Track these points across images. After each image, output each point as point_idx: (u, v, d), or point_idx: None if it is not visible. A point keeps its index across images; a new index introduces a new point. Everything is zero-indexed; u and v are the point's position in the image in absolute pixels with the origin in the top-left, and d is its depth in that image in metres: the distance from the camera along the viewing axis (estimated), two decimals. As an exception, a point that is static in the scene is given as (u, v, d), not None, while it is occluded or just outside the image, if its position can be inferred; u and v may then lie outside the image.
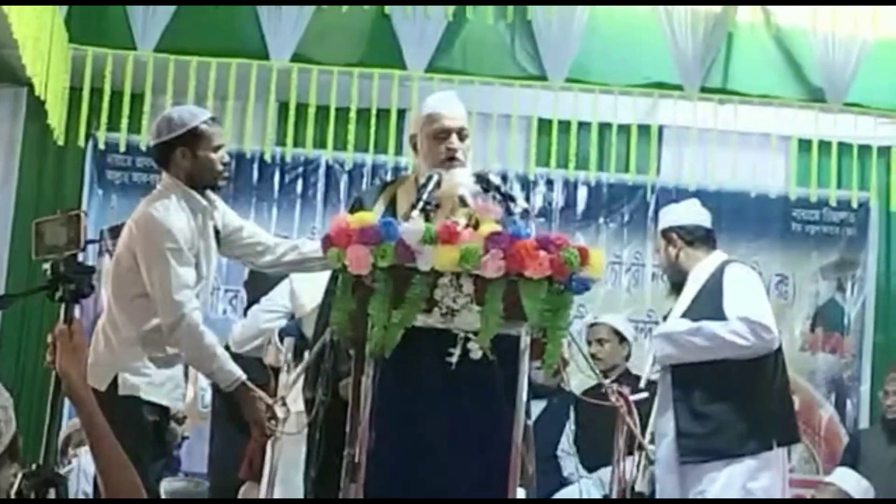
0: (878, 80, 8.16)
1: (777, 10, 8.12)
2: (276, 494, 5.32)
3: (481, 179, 4.59)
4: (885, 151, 8.61)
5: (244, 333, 6.15)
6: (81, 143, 8.21)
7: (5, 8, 6.45)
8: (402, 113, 8.08)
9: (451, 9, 7.93)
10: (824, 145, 8.38)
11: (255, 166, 8.64)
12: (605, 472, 7.08)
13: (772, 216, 8.83)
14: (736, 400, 5.60)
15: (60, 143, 8.12)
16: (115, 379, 4.58)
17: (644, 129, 8.40)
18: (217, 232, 4.84)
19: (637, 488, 5.69)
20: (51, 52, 7.27)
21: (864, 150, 8.55)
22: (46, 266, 3.29)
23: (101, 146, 8.27)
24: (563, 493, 7.25)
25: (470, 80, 7.97)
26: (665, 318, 6.01)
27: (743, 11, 8.12)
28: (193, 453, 7.43)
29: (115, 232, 5.26)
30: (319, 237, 4.33)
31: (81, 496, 5.99)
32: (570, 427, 7.46)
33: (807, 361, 8.71)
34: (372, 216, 4.16)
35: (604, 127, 8.30)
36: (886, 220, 8.89)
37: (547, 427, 7.06)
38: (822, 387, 8.78)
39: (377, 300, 3.96)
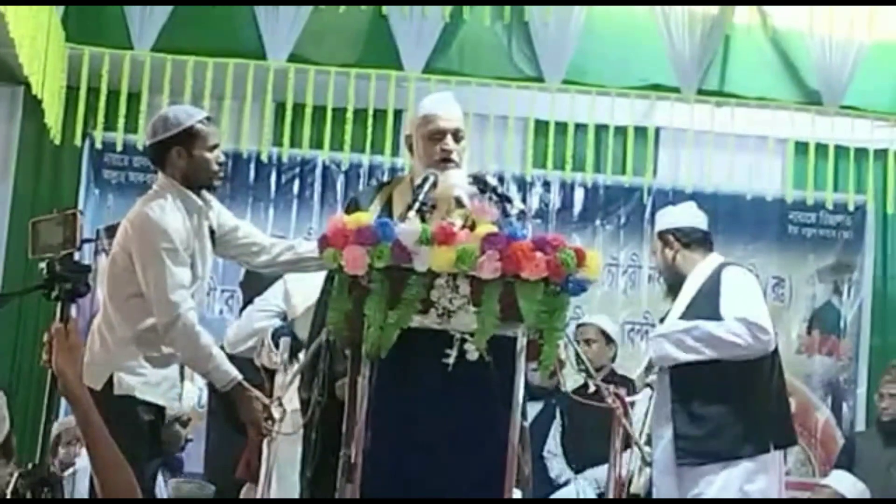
0: (874, 83, 8.17)
1: (774, 13, 8.12)
2: (273, 494, 5.32)
3: (478, 180, 4.59)
4: (881, 154, 8.61)
5: (238, 334, 6.15)
6: (78, 142, 8.20)
7: (2, 7, 6.44)
8: (398, 113, 8.08)
9: (447, 10, 7.93)
10: (821, 148, 8.39)
11: (252, 166, 8.64)
12: (592, 473, 7.10)
13: (768, 219, 8.84)
14: (733, 402, 5.61)
15: (57, 142, 8.12)
16: (111, 378, 4.58)
17: (641, 131, 8.40)
18: (212, 232, 4.83)
19: (633, 490, 5.69)
20: (48, 52, 7.27)
21: (861, 152, 8.55)
22: (43, 265, 3.29)
23: (98, 145, 8.26)
24: (562, 493, 7.26)
25: (467, 81, 7.97)
26: (662, 320, 6.02)
27: (740, 13, 8.12)
28: (191, 454, 7.42)
29: (112, 231, 5.25)
30: (316, 237, 4.33)
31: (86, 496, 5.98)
32: (556, 428, 7.47)
33: (803, 364, 8.71)
34: (368, 217, 4.16)
35: (600, 128, 8.30)
36: (883, 223, 8.89)
37: (533, 428, 7.08)
38: (819, 389, 8.79)
39: (373, 301, 3.96)
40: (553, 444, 7.44)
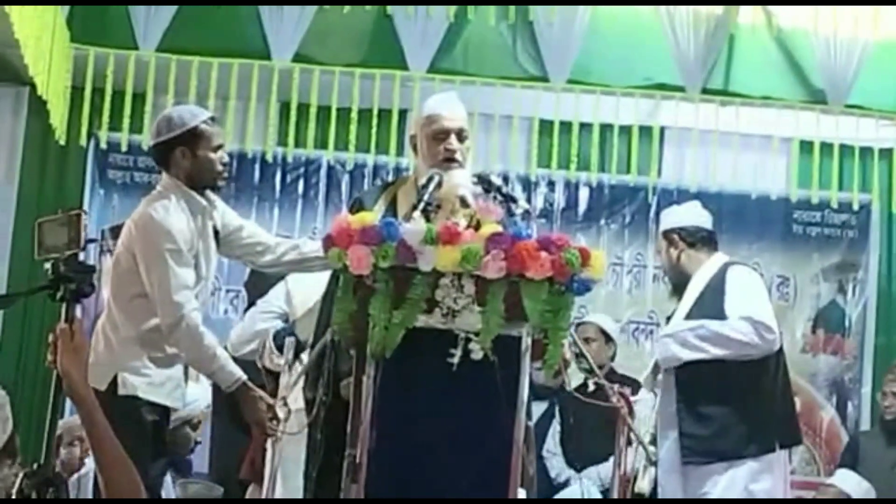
0: (879, 82, 8.16)
1: (778, 12, 8.11)
2: (278, 494, 5.32)
3: (482, 180, 4.59)
4: (886, 153, 8.61)
5: (241, 336, 6.15)
6: (83, 142, 8.20)
7: (7, 7, 6.45)
8: (403, 113, 8.08)
9: (452, 10, 7.93)
10: (826, 147, 8.38)
11: (257, 166, 8.63)
12: (595, 470, 7.09)
13: (773, 218, 8.82)
14: (738, 402, 5.61)
15: (62, 142, 8.13)
16: (115, 379, 4.58)
17: (645, 131, 8.40)
18: (216, 232, 4.84)
19: (637, 489, 5.69)
20: (53, 52, 7.27)
21: (866, 151, 8.55)
22: (47, 266, 3.29)
23: (103, 146, 8.26)
24: (566, 492, 7.26)
25: (471, 80, 7.96)
26: (669, 318, 6.02)
27: (745, 13, 8.12)
28: (196, 454, 7.42)
29: (116, 232, 5.26)
30: (321, 237, 4.33)
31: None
32: (555, 427, 7.47)
33: (808, 363, 8.70)
34: (373, 216, 4.16)
35: (605, 128, 8.30)
36: (888, 222, 8.88)
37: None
38: (824, 388, 8.78)
39: (378, 300, 3.96)
40: (552, 443, 7.45)
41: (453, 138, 4.58)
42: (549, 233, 4.76)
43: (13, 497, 3.21)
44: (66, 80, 7.85)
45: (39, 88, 7.35)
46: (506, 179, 7.72)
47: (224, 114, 7.77)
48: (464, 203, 4.43)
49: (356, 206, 4.61)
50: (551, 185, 8.81)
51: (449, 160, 4.54)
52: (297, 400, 4.81)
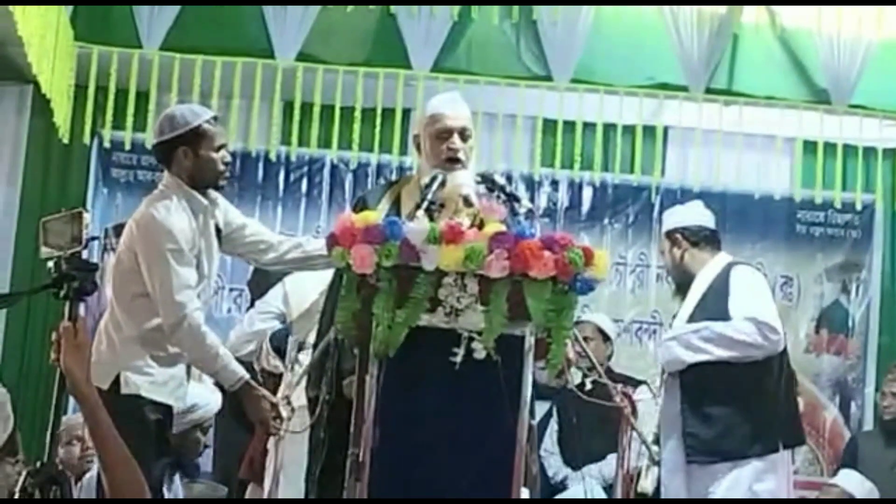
0: (883, 82, 8.15)
1: (782, 12, 8.11)
2: (280, 493, 5.32)
3: (486, 179, 4.60)
4: (890, 153, 8.61)
5: (240, 337, 6.16)
6: (86, 140, 8.20)
7: (11, 6, 6.45)
8: (406, 112, 8.08)
9: (456, 9, 7.92)
10: (829, 147, 8.37)
11: (260, 165, 8.63)
12: (597, 468, 7.08)
13: (776, 218, 8.82)
14: (742, 402, 5.61)
15: (65, 140, 8.12)
16: (118, 377, 4.58)
17: (649, 130, 8.38)
18: (219, 230, 4.83)
19: (640, 489, 5.69)
20: (56, 50, 7.27)
21: (869, 151, 8.54)
22: (50, 264, 3.29)
23: (107, 144, 8.25)
24: (570, 492, 7.25)
25: (475, 80, 7.96)
26: (674, 316, 6.02)
27: (748, 13, 8.11)
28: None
29: (120, 230, 5.26)
30: (324, 236, 4.33)
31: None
32: (553, 426, 7.47)
33: (811, 363, 8.70)
34: (377, 215, 4.17)
35: (609, 127, 8.30)
36: (891, 222, 8.88)
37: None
38: (827, 388, 8.77)
39: (381, 299, 3.96)
40: (550, 442, 7.45)
41: (456, 138, 4.58)
42: (553, 232, 4.75)
43: (16, 496, 3.21)
44: (69, 78, 7.85)
45: (43, 87, 7.35)
46: (509, 179, 7.69)
47: (227, 113, 7.77)
48: (467, 202, 4.44)
49: (359, 205, 4.61)
50: (555, 184, 8.80)
51: (452, 160, 4.55)
52: (299, 398, 4.82)
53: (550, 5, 7.95)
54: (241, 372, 4.66)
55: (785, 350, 5.76)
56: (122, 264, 4.73)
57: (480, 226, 4.19)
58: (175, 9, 7.82)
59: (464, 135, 4.61)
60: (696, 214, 6.08)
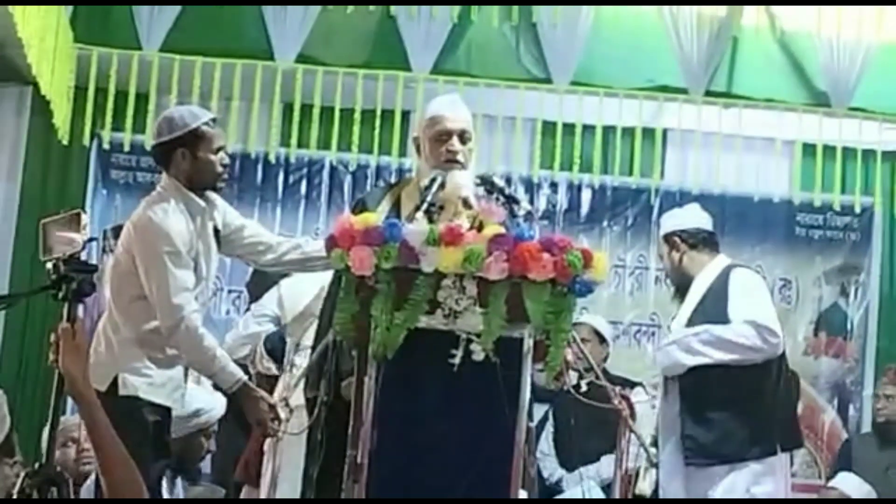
0: (882, 85, 8.16)
1: (782, 14, 8.11)
2: (278, 495, 5.32)
3: (485, 181, 4.60)
4: (889, 156, 8.61)
5: (236, 340, 6.17)
6: (86, 142, 8.20)
7: (11, 7, 6.44)
8: (406, 114, 8.08)
9: (456, 11, 7.92)
10: (828, 150, 8.37)
11: (260, 167, 8.63)
12: (595, 468, 7.08)
13: (775, 220, 8.82)
14: (741, 405, 5.61)
15: (65, 142, 8.12)
16: (116, 379, 4.58)
17: (648, 133, 8.39)
18: (217, 232, 4.83)
19: (638, 491, 5.69)
20: (56, 52, 7.27)
21: (869, 154, 8.53)
22: (49, 265, 3.29)
23: (106, 145, 8.26)
24: (569, 493, 7.25)
25: (475, 82, 7.97)
26: (673, 318, 6.02)
27: (748, 15, 8.12)
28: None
29: (119, 232, 5.26)
30: (323, 237, 4.33)
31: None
32: (549, 428, 7.46)
33: (810, 366, 8.70)
34: (376, 217, 4.17)
35: (608, 130, 8.30)
36: (890, 225, 8.88)
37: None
38: (825, 391, 8.78)
39: (380, 301, 3.96)
40: (545, 444, 7.44)
41: (455, 140, 4.59)
42: (552, 234, 4.76)
43: (14, 497, 3.22)
44: (69, 79, 7.85)
45: (43, 88, 7.35)
46: (508, 181, 7.66)
47: (227, 114, 7.77)
48: (466, 204, 4.44)
49: (359, 207, 4.62)
50: (554, 186, 8.80)
51: (450, 161, 4.55)
52: (297, 398, 4.82)
53: (550, 5, 7.95)
54: (239, 374, 4.66)
55: (783, 353, 5.76)
56: (119, 266, 4.73)
57: (479, 228, 4.19)
58: (175, 10, 7.82)
59: (463, 137, 4.61)
60: (693, 217, 6.08)
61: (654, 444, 5.76)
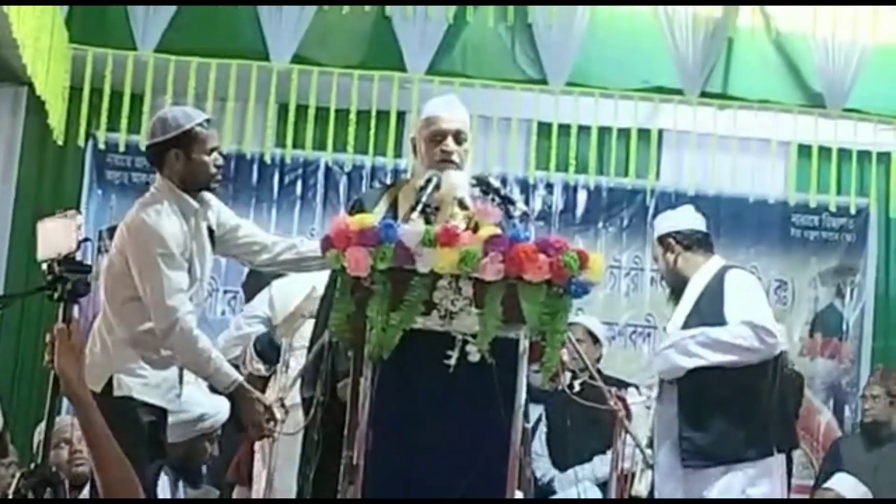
0: (877, 86, 8.16)
1: (777, 16, 8.12)
2: (273, 495, 5.32)
3: (481, 182, 4.60)
4: (884, 157, 8.60)
5: (228, 341, 6.17)
6: (81, 142, 8.20)
7: (6, 7, 6.44)
8: (401, 115, 8.08)
9: (451, 11, 7.92)
10: (824, 151, 8.37)
11: (255, 167, 8.62)
12: (591, 468, 7.08)
13: (771, 221, 8.83)
14: (737, 406, 5.60)
15: (60, 142, 8.11)
16: (111, 380, 4.57)
17: (644, 134, 8.40)
18: (212, 232, 4.83)
19: (634, 492, 5.69)
20: (51, 52, 7.26)
21: (864, 155, 8.54)
22: (44, 266, 3.29)
23: (101, 146, 8.26)
24: (567, 494, 7.25)
25: (470, 83, 7.96)
26: (669, 320, 6.01)
27: (743, 16, 8.12)
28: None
29: (114, 232, 5.24)
30: (318, 238, 4.33)
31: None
32: (542, 429, 7.46)
33: (805, 367, 8.69)
34: (371, 218, 4.16)
35: (603, 131, 8.30)
36: (885, 226, 8.88)
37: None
38: (821, 392, 8.78)
39: (376, 302, 3.96)
40: (538, 445, 7.44)
41: (450, 140, 4.59)
42: (547, 235, 4.76)
43: (9, 497, 3.21)
44: (64, 80, 7.85)
45: (38, 88, 7.34)
46: (504, 182, 7.72)
47: (222, 115, 7.77)
48: (462, 205, 4.44)
49: (356, 208, 4.61)
50: (549, 187, 8.81)
51: (445, 161, 4.55)
52: (294, 399, 4.82)
53: (546, 5, 7.95)
54: (235, 375, 4.66)
55: (780, 354, 5.76)
56: (113, 267, 4.73)
57: (475, 229, 4.19)
58: (170, 11, 7.82)
59: (458, 137, 4.61)
60: (687, 218, 6.08)
61: (650, 445, 5.75)
